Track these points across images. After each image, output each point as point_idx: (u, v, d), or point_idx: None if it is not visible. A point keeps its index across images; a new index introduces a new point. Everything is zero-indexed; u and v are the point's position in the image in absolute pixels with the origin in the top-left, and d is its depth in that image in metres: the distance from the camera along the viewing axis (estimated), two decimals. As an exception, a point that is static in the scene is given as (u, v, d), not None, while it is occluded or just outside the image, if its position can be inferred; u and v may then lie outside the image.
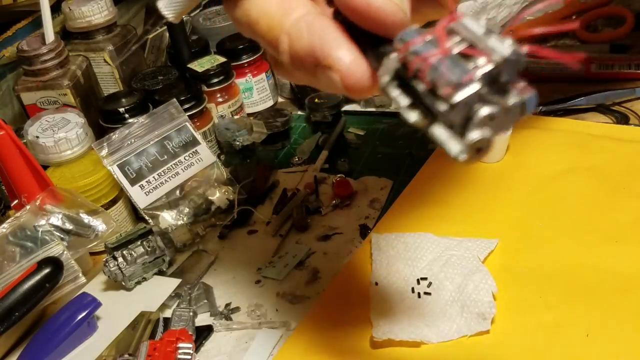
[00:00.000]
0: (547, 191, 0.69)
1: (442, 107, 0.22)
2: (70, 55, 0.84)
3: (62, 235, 0.68)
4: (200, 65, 0.88)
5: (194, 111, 0.83)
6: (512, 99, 0.23)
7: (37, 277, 0.62)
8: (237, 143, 0.83)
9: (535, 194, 0.70)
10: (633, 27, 0.92)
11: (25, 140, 0.72)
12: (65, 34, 0.88)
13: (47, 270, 0.62)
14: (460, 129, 0.23)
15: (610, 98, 0.82)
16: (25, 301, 0.61)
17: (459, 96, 0.22)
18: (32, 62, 0.80)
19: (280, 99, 1.02)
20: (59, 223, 0.68)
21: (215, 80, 0.87)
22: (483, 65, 0.23)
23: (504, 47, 0.23)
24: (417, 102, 0.25)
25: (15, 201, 0.72)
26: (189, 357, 0.57)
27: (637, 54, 0.88)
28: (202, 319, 0.64)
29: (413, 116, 0.25)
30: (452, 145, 0.23)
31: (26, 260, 0.65)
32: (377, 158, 0.84)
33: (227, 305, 0.65)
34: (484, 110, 0.22)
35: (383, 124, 0.91)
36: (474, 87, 0.22)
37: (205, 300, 0.65)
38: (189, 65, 0.89)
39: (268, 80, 0.97)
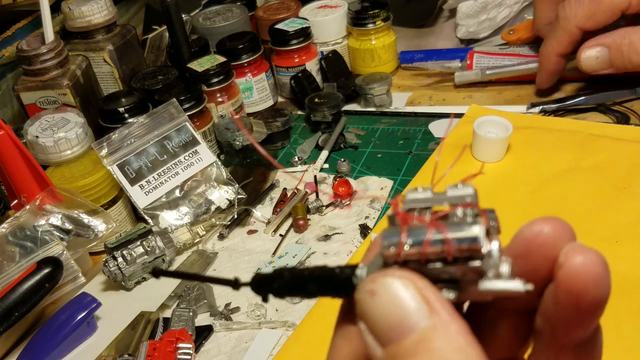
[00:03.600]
0: (547, 191, 0.69)
1: (475, 263, 0.23)
2: (70, 55, 0.84)
3: (61, 235, 0.68)
4: (200, 65, 0.88)
5: (193, 111, 0.83)
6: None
7: (37, 277, 0.61)
8: (237, 143, 0.83)
9: (535, 194, 0.70)
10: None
11: (24, 140, 0.72)
12: (65, 34, 0.88)
13: (46, 270, 0.62)
14: (496, 272, 0.23)
15: (611, 98, 0.82)
16: (24, 301, 0.61)
17: (486, 246, 0.23)
18: (31, 61, 0.80)
19: (280, 99, 1.02)
20: (58, 223, 0.68)
21: (215, 80, 0.87)
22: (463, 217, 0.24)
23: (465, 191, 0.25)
24: (444, 282, 0.24)
25: (15, 201, 0.72)
26: (189, 357, 0.57)
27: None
28: (202, 319, 0.64)
29: (452, 295, 0.24)
30: (512, 285, 0.23)
31: (26, 260, 0.65)
32: (377, 158, 0.84)
33: (227, 305, 0.65)
34: (495, 245, 0.23)
35: (383, 124, 0.90)
36: (482, 230, 0.23)
37: (205, 300, 0.65)
38: (188, 65, 0.88)
39: (268, 80, 0.97)
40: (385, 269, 0.24)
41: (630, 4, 0.73)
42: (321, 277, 0.26)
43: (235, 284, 0.28)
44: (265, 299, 0.27)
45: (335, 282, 0.26)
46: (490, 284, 0.23)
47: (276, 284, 0.26)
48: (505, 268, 0.23)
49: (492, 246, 0.23)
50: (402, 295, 0.22)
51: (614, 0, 0.73)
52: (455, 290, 0.24)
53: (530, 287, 0.23)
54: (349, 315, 0.26)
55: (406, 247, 0.23)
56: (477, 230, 0.23)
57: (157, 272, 0.29)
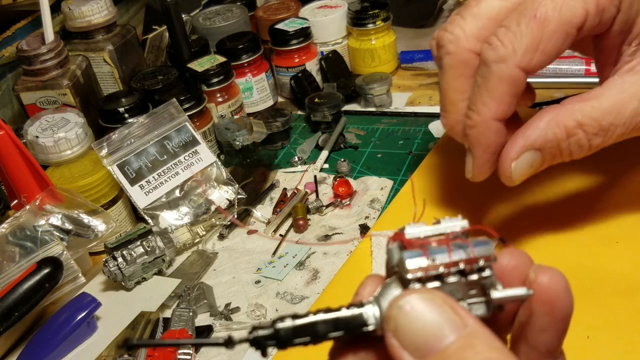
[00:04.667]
0: (547, 191, 0.69)
1: (487, 273, 0.27)
2: (70, 55, 0.84)
3: (61, 235, 0.68)
4: (200, 65, 0.88)
5: (193, 111, 0.83)
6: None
7: (37, 277, 0.61)
8: (237, 143, 0.83)
9: (535, 193, 0.70)
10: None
11: (24, 140, 0.72)
12: (65, 34, 0.88)
13: (46, 270, 0.62)
14: (495, 287, 0.28)
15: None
16: (24, 301, 0.61)
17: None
18: (31, 61, 0.80)
19: (280, 99, 1.02)
20: (58, 223, 0.68)
21: (215, 80, 0.87)
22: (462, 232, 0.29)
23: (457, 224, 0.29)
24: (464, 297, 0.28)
25: (15, 201, 0.72)
26: (189, 357, 0.57)
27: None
28: (202, 319, 0.64)
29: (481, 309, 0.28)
30: (519, 291, 0.28)
31: (26, 260, 0.65)
32: (377, 158, 0.84)
33: (227, 305, 0.65)
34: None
35: (383, 124, 0.91)
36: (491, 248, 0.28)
37: (205, 300, 0.65)
38: (188, 65, 0.88)
39: (268, 80, 0.97)
40: (410, 289, 0.26)
41: (586, 15, 0.48)
42: (328, 318, 0.26)
43: (228, 343, 0.25)
44: (264, 354, 0.26)
45: (344, 319, 0.27)
46: (502, 293, 0.27)
47: (282, 332, 0.26)
48: (499, 284, 0.28)
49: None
50: (436, 308, 0.25)
51: (563, 15, 0.47)
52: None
53: (532, 291, 0.27)
54: (345, 350, 0.28)
55: (432, 264, 0.26)
56: (491, 245, 0.27)
57: (129, 345, 0.25)
